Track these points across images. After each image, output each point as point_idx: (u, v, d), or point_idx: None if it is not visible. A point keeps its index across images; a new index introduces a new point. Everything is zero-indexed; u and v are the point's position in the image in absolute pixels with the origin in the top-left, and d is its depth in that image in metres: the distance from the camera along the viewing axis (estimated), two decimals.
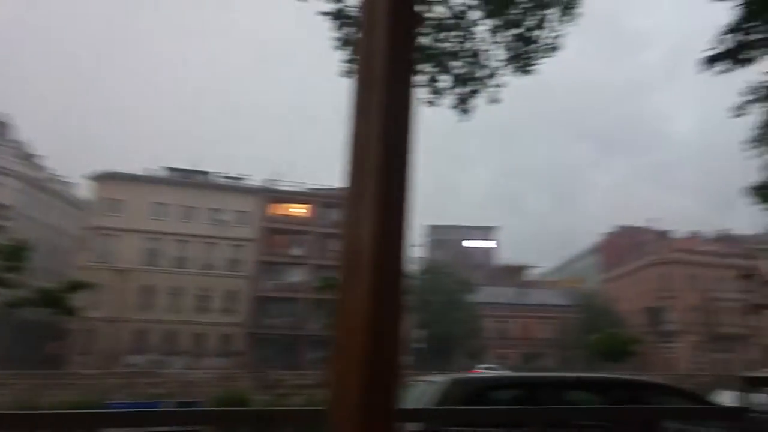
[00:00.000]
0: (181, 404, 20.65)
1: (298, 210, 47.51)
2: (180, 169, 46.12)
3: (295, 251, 45.46)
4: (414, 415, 4.37)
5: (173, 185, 44.07)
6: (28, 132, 64.62)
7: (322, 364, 33.31)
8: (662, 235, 53.34)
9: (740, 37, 7.77)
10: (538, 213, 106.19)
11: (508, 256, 59.75)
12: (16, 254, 19.40)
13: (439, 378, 5.41)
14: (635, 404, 5.10)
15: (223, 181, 47.06)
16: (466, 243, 59.97)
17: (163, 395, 25.27)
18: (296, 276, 44.57)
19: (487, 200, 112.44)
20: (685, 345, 41.69)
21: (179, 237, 42.41)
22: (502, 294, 47.24)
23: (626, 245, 54.47)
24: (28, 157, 45.35)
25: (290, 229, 46.03)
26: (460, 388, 5.16)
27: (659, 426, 4.59)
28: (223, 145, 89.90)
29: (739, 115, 10.98)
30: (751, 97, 10.73)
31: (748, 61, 7.95)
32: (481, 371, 24.80)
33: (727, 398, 5.06)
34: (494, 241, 61.46)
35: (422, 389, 5.38)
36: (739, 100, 10.88)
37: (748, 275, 22.57)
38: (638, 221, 56.22)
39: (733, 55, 7.91)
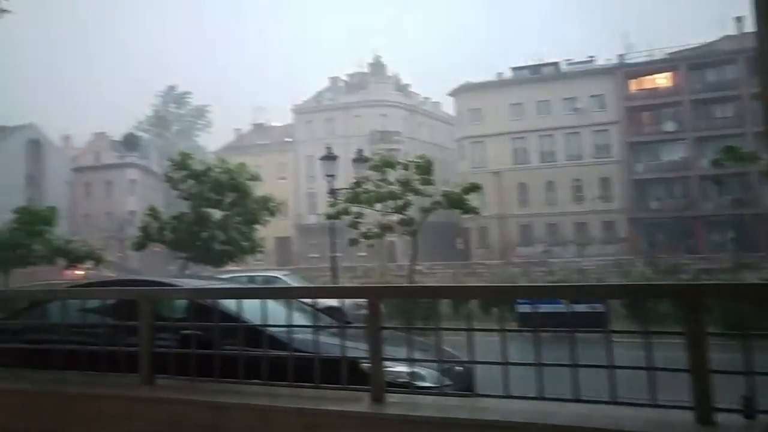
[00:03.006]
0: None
1: (661, 80, 42.00)
2: (527, 66, 45.97)
3: (668, 126, 40.54)
4: None
5: (524, 83, 44.39)
6: (396, 65, 75.46)
7: (729, 246, 29.11)
8: None
9: None
10: None
11: None
12: (425, 169, 22.92)
13: None
14: None
15: (572, 67, 44.91)
16: None
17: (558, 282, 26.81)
18: (674, 153, 40.00)
19: None
20: None
21: (541, 132, 42.97)
22: None
23: None
24: (402, 87, 53.02)
25: (656, 103, 41.37)
26: None
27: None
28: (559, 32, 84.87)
29: None
30: None
31: None
32: None
33: None
34: None
35: None
36: None
37: None
38: None
39: None
